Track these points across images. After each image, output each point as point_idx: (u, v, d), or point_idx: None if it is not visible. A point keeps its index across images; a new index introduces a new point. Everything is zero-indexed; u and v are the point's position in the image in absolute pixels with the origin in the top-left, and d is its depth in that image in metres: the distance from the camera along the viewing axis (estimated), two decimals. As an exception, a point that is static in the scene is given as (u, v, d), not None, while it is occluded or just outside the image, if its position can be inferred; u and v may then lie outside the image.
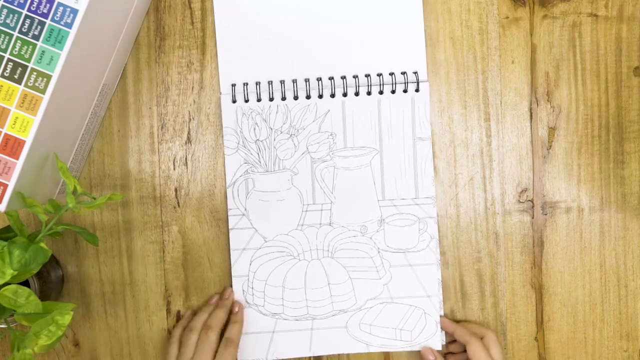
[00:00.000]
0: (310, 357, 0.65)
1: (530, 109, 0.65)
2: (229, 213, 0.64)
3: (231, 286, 0.64)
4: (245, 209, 0.64)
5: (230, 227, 0.64)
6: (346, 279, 0.64)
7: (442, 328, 0.64)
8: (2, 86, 0.48)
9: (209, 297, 0.65)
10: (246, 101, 0.63)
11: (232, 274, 0.64)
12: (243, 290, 0.64)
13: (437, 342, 0.64)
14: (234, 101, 0.63)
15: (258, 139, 0.64)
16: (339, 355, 0.65)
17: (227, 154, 0.64)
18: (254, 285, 0.64)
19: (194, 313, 0.65)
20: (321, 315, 0.64)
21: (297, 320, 0.64)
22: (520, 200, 0.65)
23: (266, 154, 0.64)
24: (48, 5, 0.48)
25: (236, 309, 0.63)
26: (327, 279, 0.64)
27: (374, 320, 0.64)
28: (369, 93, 0.64)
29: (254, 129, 0.63)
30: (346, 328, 0.64)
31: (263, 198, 0.64)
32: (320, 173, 0.64)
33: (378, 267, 0.64)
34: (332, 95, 0.64)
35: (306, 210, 0.64)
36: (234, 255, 0.64)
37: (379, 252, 0.64)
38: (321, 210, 0.64)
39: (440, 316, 0.64)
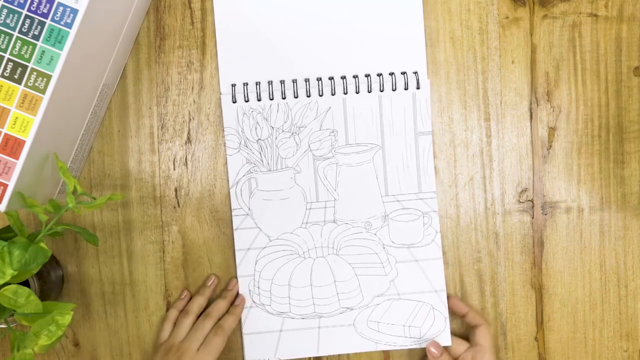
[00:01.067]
0: (310, 358, 0.65)
1: (530, 109, 0.65)
2: (233, 213, 0.64)
3: (236, 278, 0.64)
4: (249, 209, 0.64)
5: (234, 227, 0.64)
6: (352, 276, 0.64)
7: (452, 309, 0.64)
8: (2, 86, 0.48)
9: (206, 277, 0.65)
10: (246, 101, 0.63)
11: (238, 274, 0.64)
12: (249, 290, 0.64)
13: (446, 338, 0.63)
14: (234, 101, 0.63)
15: (260, 138, 0.63)
16: (339, 355, 0.65)
17: (229, 154, 0.64)
18: (260, 284, 0.64)
19: (190, 294, 0.65)
20: (328, 313, 0.64)
21: (303, 318, 0.64)
22: (520, 200, 0.65)
23: (268, 153, 0.64)
24: (48, 5, 0.48)
25: (237, 302, 0.64)
26: (333, 277, 0.64)
27: (382, 318, 0.64)
28: (369, 92, 0.64)
29: (255, 128, 0.63)
30: (354, 326, 0.64)
31: (266, 197, 0.64)
32: (323, 170, 0.64)
33: (384, 263, 0.64)
34: (333, 94, 0.64)
35: (310, 208, 0.64)
36: (239, 255, 0.64)
37: (384, 248, 0.64)
38: (325, 207, 0.64)
39: (450, 296, 0.64)
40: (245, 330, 0.64)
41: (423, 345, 0.64)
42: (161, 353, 0.59)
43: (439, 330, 0.64)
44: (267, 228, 0.64)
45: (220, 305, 0.62)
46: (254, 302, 0.64)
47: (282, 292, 0.64)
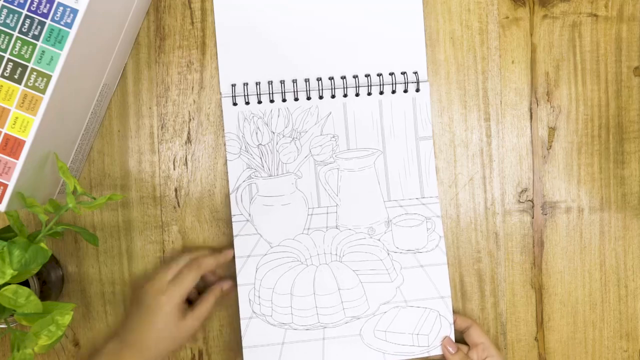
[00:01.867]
0: None
1: (530, 109, 0.65)
2: (233, 219, 0.63)
3: (233, 249, 0.63)
4: (250, 215, 0.63)
5: (234, 233, 0.63)
6: (357, 283, 0.63)
7: (456, 327, 0.63)
8: (2, 86, 0.48)
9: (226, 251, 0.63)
10: (247, 103, 0.63)
11: (238, 283, 0.62)
12: (249, 300, 0.62)
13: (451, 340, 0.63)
14: (235, 103, 0.63)
15: (260, 144, 0.63)
16: None
17: (230, 160, 0.63)
18: (261, 293, 0.62)
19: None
20: (333, 324, 0.62)
21: (307, 329, 0.62)
22: (520, 200, 0.65)
23: (269, 158, 0.63)
24: (48, 5, 0.48)
25: (224, 252, 0.62)
26: (336, 284, 0.62)
27: (389, 326, 0.62)
28: (369, 94, 0.64)
29: (256, 133, 0.63)
30: (360, 336, 0.62)
31: (267, 203, 0.63)
32: (324, 176, 0.64)
33: (389, 270, 0.63)
34: (333, 97, 0.64)
35: (312, 214, 0.63)
36: (239, 262, 0.63)
37: (388, 254, 0.63)
38: (327, 213, 0.64)
39: (454, 313, 0.63)
40: (245, 343, 0.62)
41: (432, 353, 0.62)
42: (141, 282, 0.59)
43: (444, 337, 0.62)
44: (268, 234, 0.63)
45: (206, 254, 0.61)
46: (254, 312, 0.62)
47: (283, 301, 0.62)
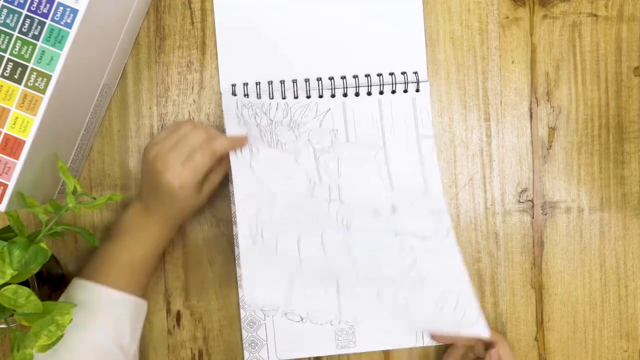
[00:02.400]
0: (309, 358, 0.65)
1: (530, 109, 0.65)
2: (232, 163, 0.58)
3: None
4: (251, 166, 0.59)
5: (234, 174, 0.58)
6: (367, 253, 0.58)
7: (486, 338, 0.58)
8: (2, 86, 0.48)
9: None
10: (246, 96, 0.63)
11: (237, 221, 0.57)
12: (249, 229, 0.56)
13: (484, 329, 0.56)
14: (234, 94, 0.62)
15: (259, 124, 0.62)
16: (339, 356, 0.65)
17: (228, 130, 0.60)
18: (264, 234, 0.57)
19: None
20: (346, 278, 0.56)
21: (319, 276, 0.56)
22: (520, 200, 0.65)
23: (268, 136, 0.61)
24: (48, 5, 0.48)
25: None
26: (348, 249, 0.58)
27: (407, 305, 0.56)
28: (369, 93, 0.63)
29: (255, 117, 0.62)
30: (379, 299, 0.56)
31: (268, 167, 0.60)
32: (325, 163, 0.62)
33: (398, 250, 0.59)
34: (333, 96, 0.63)
35: (314, 188, 0.61)
36: (237, 200, 0.58)
37: (396, 235, 0.59)
38: (329, 201, 0.61)
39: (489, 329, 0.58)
40: (242, 263, 0.55)
41: (462, 334, 0.57)
42: (151, 157, 0.56)
43: (472, 322, 0.56)
44: (271, 184, 0.59)
45: (217, 133, 0.57)
46: (253, 242, 0.56)
47: (290, 242, 0.57)
